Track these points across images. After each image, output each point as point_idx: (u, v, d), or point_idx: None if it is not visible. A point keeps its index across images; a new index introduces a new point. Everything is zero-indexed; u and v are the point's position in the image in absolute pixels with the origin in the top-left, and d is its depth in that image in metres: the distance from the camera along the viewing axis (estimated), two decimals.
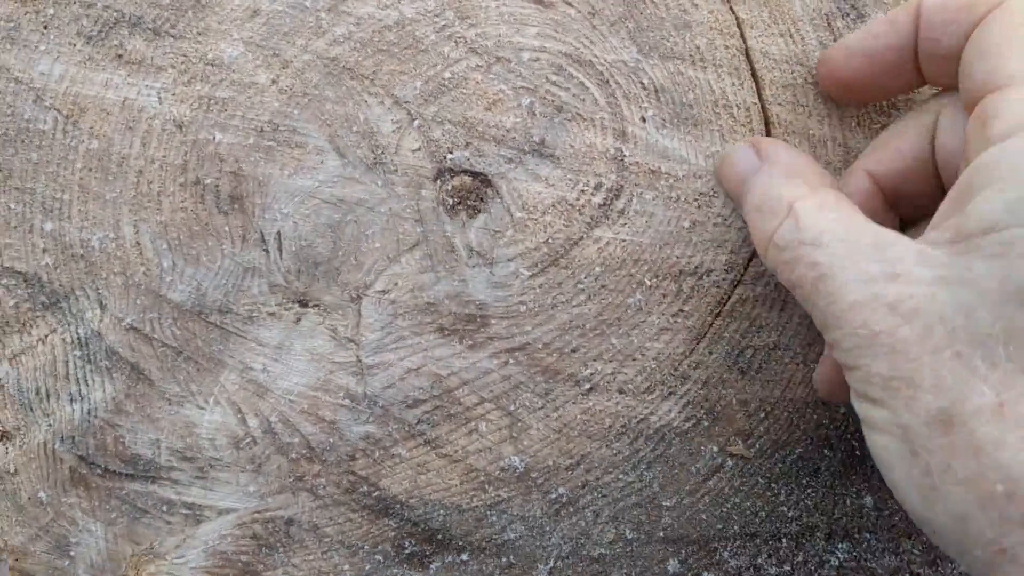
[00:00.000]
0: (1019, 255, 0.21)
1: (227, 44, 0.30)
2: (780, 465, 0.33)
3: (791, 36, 0.31)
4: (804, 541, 0.33)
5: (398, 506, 0.32)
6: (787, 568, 0.33)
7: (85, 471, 0.31)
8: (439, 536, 0.32)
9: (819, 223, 0.25)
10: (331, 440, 0.31)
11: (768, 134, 0.31)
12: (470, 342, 0.31)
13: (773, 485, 0.33)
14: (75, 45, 0.30)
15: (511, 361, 0.31)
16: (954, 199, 0.24)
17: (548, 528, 0.32)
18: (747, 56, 0.31)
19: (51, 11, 0.29)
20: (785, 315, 0.32)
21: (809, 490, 0.33)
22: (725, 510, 0.33)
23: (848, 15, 0.31)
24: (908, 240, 0.24)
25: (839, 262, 0.24)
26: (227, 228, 0.30)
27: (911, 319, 0.22)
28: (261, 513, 0.31)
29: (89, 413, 0.31)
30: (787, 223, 0.26)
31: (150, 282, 0.30)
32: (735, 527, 0.33)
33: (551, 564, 0.33)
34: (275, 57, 0.30)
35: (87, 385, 0.31)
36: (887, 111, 0.32)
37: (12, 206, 0.30)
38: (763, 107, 0.31)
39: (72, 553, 0.31)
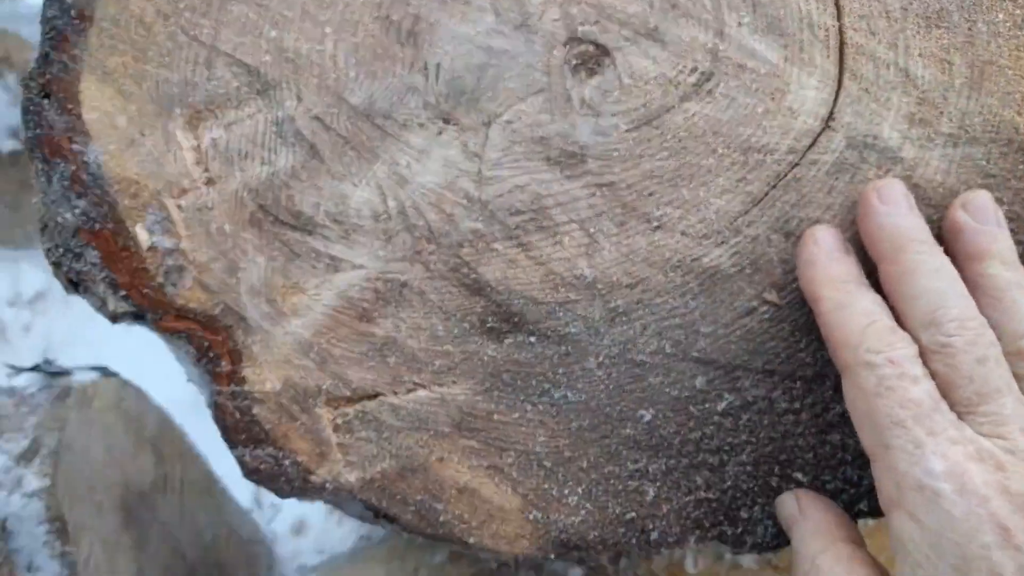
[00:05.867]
0: None
1: None
2: (805, 318, 0.39)
3: None
4: (815, 386, 0.39)
5: (488, 289, 0.40)
6: (796, 406, 0.39)
7: (261, 216, 0.40)
8: (515, 319, 0.40)
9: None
10: (447, 228, 0.40)
11: (841, 53, 0.38)
12: (568, 173, 0.39)
13: (796, 332, 0.39)
14: None
15: (598, 193, 0.39)
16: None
17: (603, 330, 0.40)
18: None
19: None
20: (831, 198, 0.39)
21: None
22: (752, 346, 0.39)
23: None
24: None
25: None
26: (402, 56, 0.39)
27: None
28: (384, 274, 0.40)
29: (272, 175, 0.40)
30: (811, 574, 0.35)
31: (337, 86, 0.40)
32: (758, 362, 0.39)
33: (600, 359, 0.40)
34: None
35: (275, 154, 0.40)
36: (948, 51, 0.38)
37: (251, 15, 0.40)
38: (840, 30, 0.38)
39: (239, 276, 0.40)
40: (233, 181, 0.40)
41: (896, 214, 0.36)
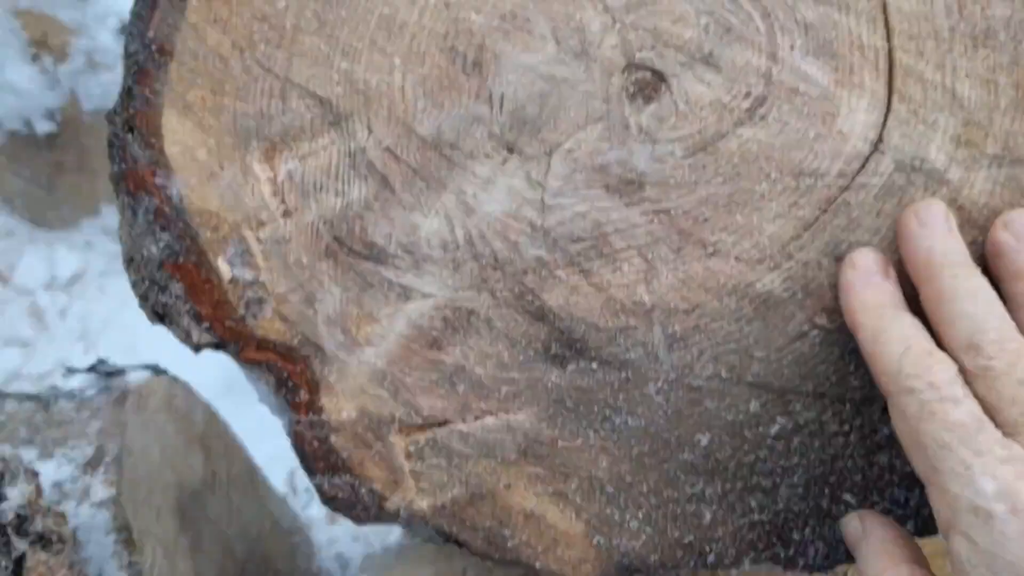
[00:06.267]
0: None
1: None
2: (854, 341, 0.40)
3: None
4: (863, 409, 0.41)
5: (551, 316, 0.42)
6: (846, 428, 0.41)
7: (336, 248, 0.42)
8: (578, 345, 0.42)
9: None
10: (512, 256, 0.42)
11: (891, 74, 0.40)
12: (627, 200, 0.41)
13: (846, 356, 0.41)
14: None
15: (655, 220, 0.41)
16: None
17: (662, 356, 0.42)
18: (884, 9, 0.39)
19: None
20: (879, 221, 0.40)
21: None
22: (804, 370, 0.41)
23: None
24: None
25: None
26: (467, 86, 0.41)
27: None
28: (452, 302, 0.42)
29: (347, 206, 0.42)
30: None
31: (406, 117, 0.42)
32: (809, 385, 0.41)
33: (659, 385, 0.42)
34: None
35: (349, 185, 0.42)
36: (994, 71, 0.39)
37: (322, 47, 0.42)
38: (890, 51, 0.40)
39: (316, 306, 0.42)
40: (309, 213, 0.42)
41: (933, 237, 0.37)
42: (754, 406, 0.42)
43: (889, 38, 0.39)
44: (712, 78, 0.40)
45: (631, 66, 0.41)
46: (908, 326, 0.36)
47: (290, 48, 0.42)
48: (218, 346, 0.43)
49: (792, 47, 0.40)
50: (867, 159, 0.40)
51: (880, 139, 0.40)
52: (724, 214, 0.41)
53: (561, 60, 0.41)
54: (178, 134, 0.42)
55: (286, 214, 0.43)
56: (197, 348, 0.43)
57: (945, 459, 0.32)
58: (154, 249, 0.42)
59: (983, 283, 0.36)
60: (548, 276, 0.42)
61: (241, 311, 0.42)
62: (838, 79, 0.40)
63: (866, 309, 0.37)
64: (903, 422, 0.34)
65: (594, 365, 0.42)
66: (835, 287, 0.41)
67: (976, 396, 0.33)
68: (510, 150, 0.41)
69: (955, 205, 0.40)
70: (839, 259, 0.40)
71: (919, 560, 0.37)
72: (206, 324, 0.42)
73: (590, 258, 0.42)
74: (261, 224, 0.42)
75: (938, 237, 0.37)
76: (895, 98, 0.40)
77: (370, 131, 0.42)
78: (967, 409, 0.32)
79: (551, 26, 0.41)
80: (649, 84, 0.41)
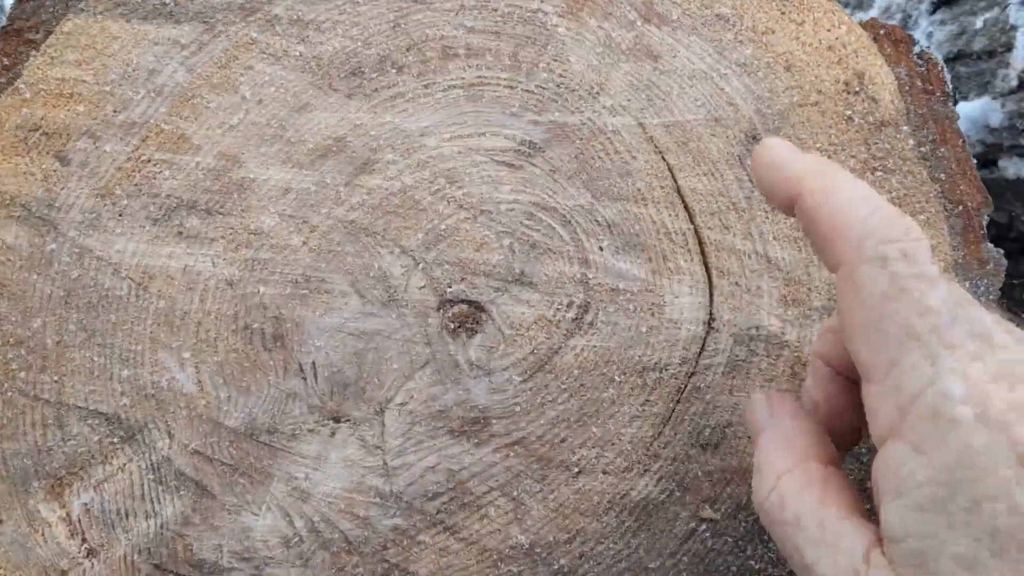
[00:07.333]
0: (922, 566, 0.24)
1: (266, 216, 0.37)
2: (744, 524, 0.38)
3: (712, 174, 0.39)
4: None
5: None
6: None
7: None
8: None
9: (798, 505, 0.28)
10: (365, 534, 0.37)
11: (703, 253, 0.39)
12: (476, 440, 0.38)
13: (740, 543, 0.39)
14: (144, 227, 0.37)
15: (511, 454, 0.38)
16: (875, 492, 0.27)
17: None
18: (679, 193, 0.39)
19: (125, 202, 0.37)
20: (734, 397, 0.39)
21: (771, 544, 0.39)
22: (702, 568, 0.38)
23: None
24: (867, 534, 0.27)
25: (814, 554, 0.27)
26: (272, 362, 0.37)
27: None
28: None
29: (162, 527, 0.36)
30: (773, 496, 0.29)
31: (210, 412, 0.37)
32: None
33: None
34: (304, 224, 0.37)
35: (159, 503, 0.37)
36: (798, 228, 0.40)
37: (96, 359, 0.37)
38: (696, 231, 0.39)
39: None
40: (119, 546, 0.36)
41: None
42: None
43: (692, 219, 0.39)
44: (530, 296, 0.38)
45: (445, 303, 0.38)
46: (868, 187, 0.28)
47: (57, 368, 0.36)
48: None
49: (601, 248, 0.39)
50: (704, 340, 0.39)
51: (712, 317, 0.39)
52: (579, 430, 0.38)
53: (369, 313, 0.38)
54: None
55: (91, 554, 0.36)
56: None
57: (910, 350, 0.25)
58: None
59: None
60: (411, 544, 0.37)
61: None
62: (654, 268, 0.39)
63: (809, 172, 0.29)
64: (862, 299, 0.27)
65: None
66: (710, 475, 0.39)
67: None
68: (336, 419, 0.37)
69: (800, 363, 0.39)
70: (706, 447, 0.39)
71: (831, 459, 0.30)
72: None
73: (452, 512, 0.38)
74: (63, 574, 0.36)
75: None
76: (714, 274, 0.39)
77: (171, 437, 0.37)
78: (943, 293, 0.26)
79: (349, 280, 0.38)
80: (468, 316, 0.38)
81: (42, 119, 0.37)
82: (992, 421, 0.24)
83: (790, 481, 0.29)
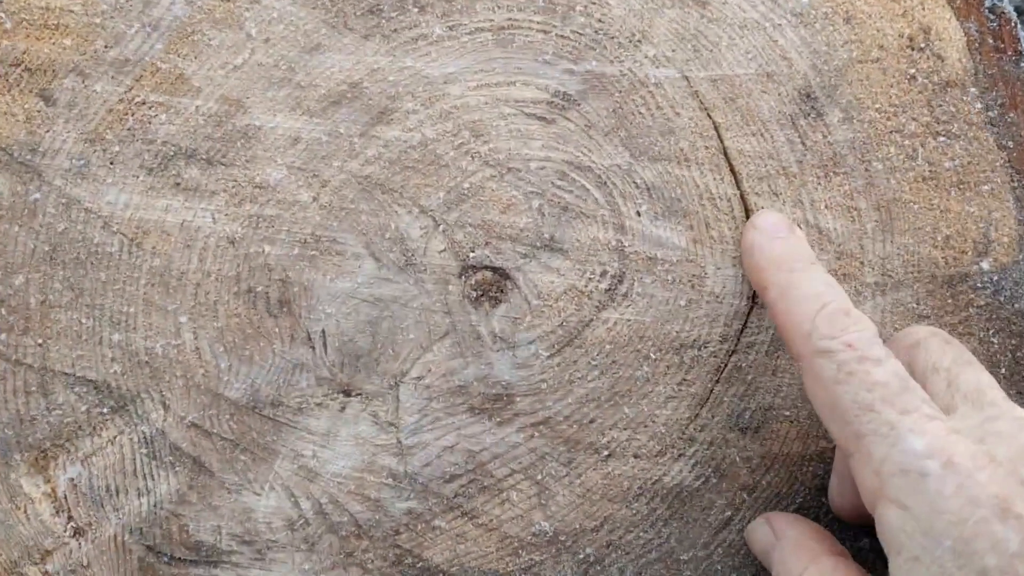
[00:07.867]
0: None
1: (272, 169, 0.34)
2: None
3: (762, 135, 0.36)
4: None
5: (440, 575, 0.35)
6: None
7: (152, 560, 0.33)
8: None
9: None
10: (377, 517, 0.34)
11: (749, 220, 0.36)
12: (498, 419, 0.35)
13: None
14: (138, 177, 0.34)
15: (536, 434, 0.35)
16: None
17: None
18: (725, 154, 0.35)
19: (116, 148, 0.34)
20: (777, 379, 0.36)
21: None
22: (738, 560, 0.36)
23: (808, 115, 0.36)
24: None
25: None
26: (277, 330, 0.34)
27: None
28: None
29: (155, 505, 0.34)
30: None
31: (209, 382, 0.34)
32: (748, 575, 0.36)
33: None
34: (315, 178, 0.34)
35: (153, 480, 0.34)
36: (852, 197, 0.36)
37: (83, 321, 0.33)
38: (742, 197, 0.36)
39: None
40: (108, 525, 0.33)
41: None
42: None
43: (738, 183, 0.36)
44: (560, 264, 0.35)
45: (467, 268, 0.35)
46: (821, 282, 0.32)
47: (41, 330, 0.33)
48: None
49: (638, 213, 0.35)
50: (747, 316, 0.36)
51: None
52: (610, 410, 0.35)
53: (385, 278, 0.34)
54: None
55: (78, 533, 0.33)
56: None
57: (868, 421, 0.28)
58: None
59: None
60: (426, 529, 0.35)
61: None
62: (696, 237, 0.36)
63: (774, 265, 0.33)
64: (819, 388, 0.30)
65: None
66: (749, 461, 0.36)
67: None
68: (347, 393, 0.34)
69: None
70: (745, 430, 0.36)
71: (839, 551, 0.33)
72: None
73: (471, 496, 0.35)
74: (47, 554, 0.33)
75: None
76: None
77: (166, 408, 0.34)
78: (890, 368, 0.29)
79: (363, 241, 0.34)
80: (492, 284, 0.35)
81: (24, 53, 0.33)
82: (959, 468, 0.26)
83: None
